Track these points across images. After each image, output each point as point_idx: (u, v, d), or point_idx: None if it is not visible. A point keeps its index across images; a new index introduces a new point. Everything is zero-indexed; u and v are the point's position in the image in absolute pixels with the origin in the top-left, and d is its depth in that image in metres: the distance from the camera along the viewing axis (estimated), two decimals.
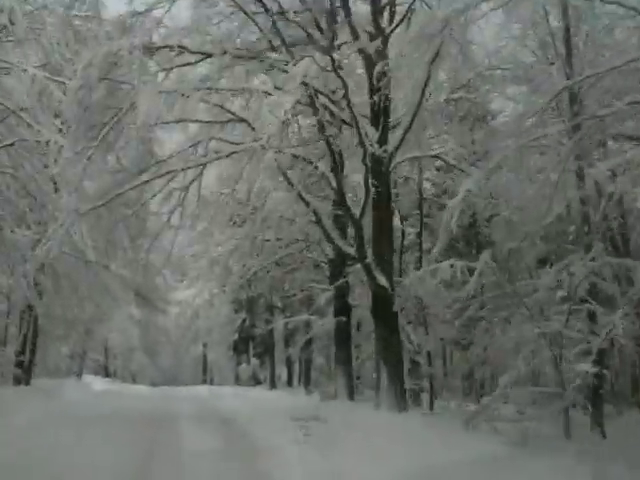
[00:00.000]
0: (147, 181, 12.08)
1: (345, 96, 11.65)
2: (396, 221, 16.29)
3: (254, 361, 35.24)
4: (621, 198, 11.75)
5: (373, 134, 12.53)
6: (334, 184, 12.83)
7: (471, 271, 11.00)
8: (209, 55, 10.88)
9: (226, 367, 40.00)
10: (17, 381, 18.95)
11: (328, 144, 12.29)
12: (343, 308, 18.09)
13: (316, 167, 12.96)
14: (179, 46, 10.70)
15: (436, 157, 15.00)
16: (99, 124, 11.05)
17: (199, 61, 11.02)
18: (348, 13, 12.60)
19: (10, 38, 14.19)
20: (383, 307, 12.61)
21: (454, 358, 23.24)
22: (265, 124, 9.59)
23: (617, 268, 10.72)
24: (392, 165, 13.00)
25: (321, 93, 11.88)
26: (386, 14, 12.92)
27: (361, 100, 12.90)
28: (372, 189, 12.26)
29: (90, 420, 12.98)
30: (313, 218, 13.85)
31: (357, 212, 12.74)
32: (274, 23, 11.68)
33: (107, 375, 39.25)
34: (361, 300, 17.66)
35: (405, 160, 14.52)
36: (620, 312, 9.41)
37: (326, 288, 18.71)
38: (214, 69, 11.02)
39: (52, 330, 22.28)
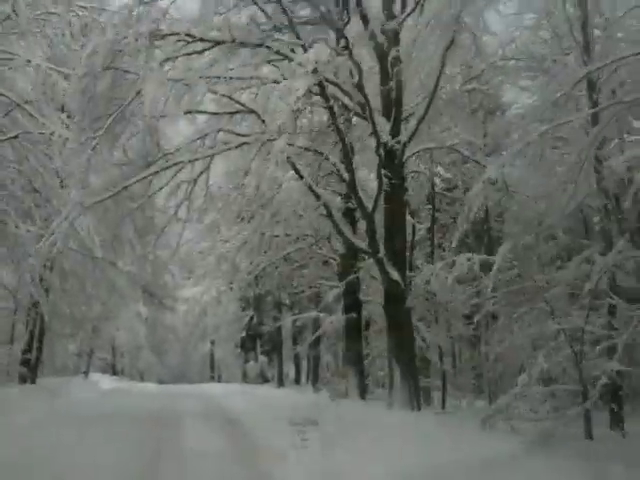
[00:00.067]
0: (155, 172, 11.80)
1: (359, 81, 11.34)
2: (407, 216, 15.94)
3: (262, 359, 35.03)
4: (637, 191, 11.45)
5: (385, 125, 12.23)
6: (345, 175, 12.52)
7: (484, 266, 10.68)
8: (217, 42, 10.58)
9: (234, 365, 39.83)
10: (23, 380, 18.72)
11: (339, 132, 11.97)
12: (353, 304, 17.77)
13: (327, 158, 12.64)
14: (186, 34, 10.40)
15: (450, 148, 14.62)
16: (104, 115, 10.79)
17: (207, 49, 10.72)
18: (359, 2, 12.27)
19: (14, 30, 13.96)
20: (395, 303, 12.36)
21: (463, 356, 22.92)
22: (276, 112, 9.31)
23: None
24: (405, 157, 12.70)
25: (332, 83, 11.58)
26: (398, 0, 12.62)
27: (371, 93, 12.60)
28: (385, 181, 11.96)
29: (93, 419, 12.84)
30: (323, 212, 13.56)
31: (369, 205, 12.45)
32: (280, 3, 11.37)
33: (114, 373, 39.11)
34: (373, 296, 17.35)
35: (419, 151, 14.20)
36: None
37: (335, 285, 18.40)
38: (221, 54, 10.69)
39: (59, 328, 22.07)
